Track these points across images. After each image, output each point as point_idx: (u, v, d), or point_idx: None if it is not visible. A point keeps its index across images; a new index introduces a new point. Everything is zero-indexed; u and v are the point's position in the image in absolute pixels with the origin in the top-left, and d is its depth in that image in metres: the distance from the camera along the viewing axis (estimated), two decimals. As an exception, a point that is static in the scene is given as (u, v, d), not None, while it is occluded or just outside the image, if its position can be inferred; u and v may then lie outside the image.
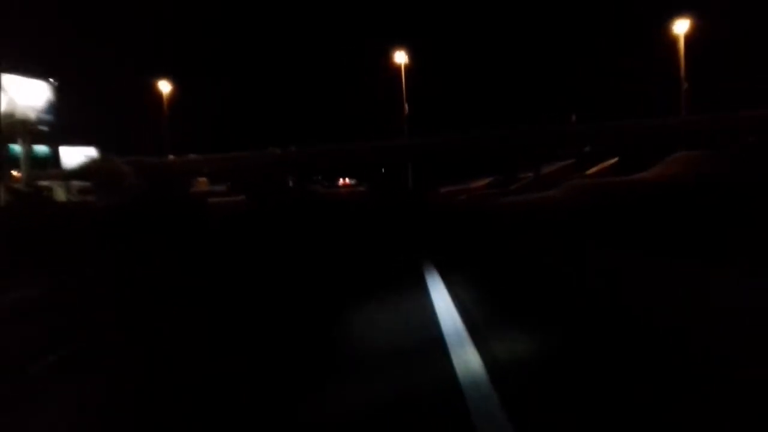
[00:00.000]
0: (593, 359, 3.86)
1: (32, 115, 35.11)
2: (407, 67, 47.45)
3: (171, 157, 47.30)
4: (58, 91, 39.06)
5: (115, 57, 52.24)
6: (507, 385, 3.35)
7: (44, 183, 35.68)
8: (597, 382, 3.42)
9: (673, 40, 43.02)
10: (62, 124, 46.89)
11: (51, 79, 36.33)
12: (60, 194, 35.26)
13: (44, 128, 36.18)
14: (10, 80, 33.39)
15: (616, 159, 41.33)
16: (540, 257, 9.72)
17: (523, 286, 6.98)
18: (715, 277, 6.41)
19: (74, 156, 47.33)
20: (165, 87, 49.07)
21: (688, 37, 42.69)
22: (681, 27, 42.72)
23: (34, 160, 46.39)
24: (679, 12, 42.80)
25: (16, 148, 35.50)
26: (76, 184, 38.29)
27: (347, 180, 59.03)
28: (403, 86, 47.03)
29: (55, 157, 49.18)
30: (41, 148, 48.12)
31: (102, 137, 49.02)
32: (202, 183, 45.43)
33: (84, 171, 39.59)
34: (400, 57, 47.57)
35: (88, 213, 27.43)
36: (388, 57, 47.93)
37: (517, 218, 19.77)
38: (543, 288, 6.72)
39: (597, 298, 5.85)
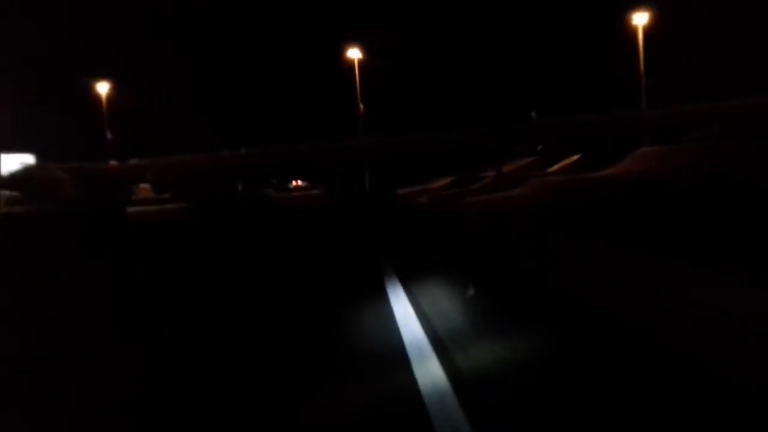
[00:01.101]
0: (566, 367, 3.81)
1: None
2: (361, 65, 45.61)
3: (113, 162, 44.56)
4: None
5: (54, 58, 49.11)
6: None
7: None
8: (569, 390, 3.40)
9: (632, 33, 42.18)
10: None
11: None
12: (-16, 205, 32.43)
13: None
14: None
15: (578, 156, 40.55)
16: (515, 260, 8.99)
17: (499, 294, 6.47)
18: (691, 275, 6.28)
19: (10, 163, 44.47)
20: (104, 88, 46.19)
21: (648, 30, 41.90)
22: (640, 19, 41.85)
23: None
24: (638, 4, 41.97)
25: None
26: (4, 194, 35.43)
27: (299, 182, 56.78)
28: (357, 84, 45.17)
29: (-12, 164, 46.11)
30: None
31: (42, 143, 46.14)
32: (144, 190, 42.75)
33: (13, 180, 36.77)
34: (354, 53, 45.67)
35: (10, 225, 25.08)
36: (341, 54, 46.04)
37: (485, 219, 18.18)
38: (519, 293, 6.33)
39: (573, 301, 5.61)
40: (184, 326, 6.06)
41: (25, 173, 39.48)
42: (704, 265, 6.62)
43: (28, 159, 44.98)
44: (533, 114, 44.69)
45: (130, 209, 30.05)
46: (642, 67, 42.00)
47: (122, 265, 11.90)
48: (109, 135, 45.87)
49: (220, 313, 6.75)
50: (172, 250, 14.73)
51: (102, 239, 16.92)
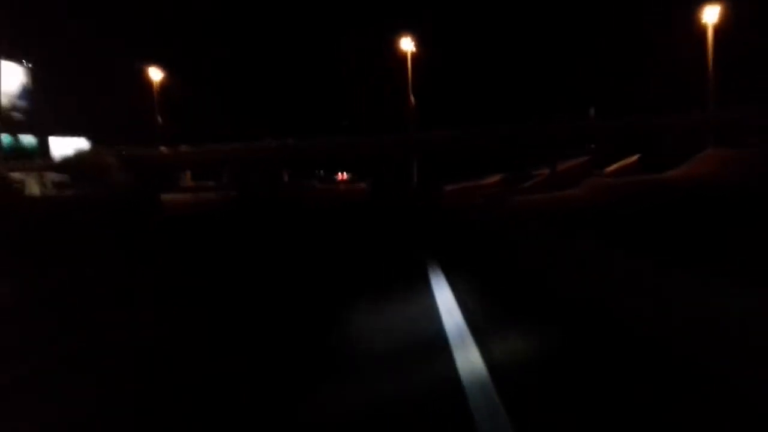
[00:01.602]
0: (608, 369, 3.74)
1: (4, 100, 32.36)
2: (414, 56, 44.45)
3: (163, 148, 44.63)
4: (39, 76, 36.38)
5: (109, 45, 49.64)
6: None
7: (17, 175, 33.00)
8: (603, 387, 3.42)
9: (701, 30, 39.98)
10: (52, 113, 44.57)
11: (25, 62, 33.48)
12: (33, 187, 32.62)
13: (19, 115, 33.41)
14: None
15: (636, 157, 38.79)
16: (576, 275, 7.81)
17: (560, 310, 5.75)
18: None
19: (65, 147, 45.03)
20: (157, 74, 46.29)
21: (718, 27, 39.61)
22: (710, 15, 39.60)
23: (20, 151, 43.94)
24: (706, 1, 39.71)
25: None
26: (52, 176, 35.66)
27: (345, 175, 56.10)
28: (409, 76, 44.04)
29: (43, 147, 46.79)
30: (27, 138, 45.63)
31: (95, 127, 46.63)
32: (189, 177, 42.68)
33: (63, 163, 37.01)
34: (407, 45, 44.52)
35: (57, 208, 25.09)
36: (393, 45, 44.97)
37: (540, 221, 17.04)
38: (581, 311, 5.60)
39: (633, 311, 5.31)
40: (198, 325, 5.81)
41: (76, 157, 39.83)
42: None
43: (81, 143, 45.55)
44: (592, 111, 42.96)
45: (166, 196, 29.76)
46: (710, 64, 39.84)
47: (136, 264, 11.22)
48: (159, 120, 46.03)
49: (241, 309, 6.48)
50: (199, 246, 14.17)
51: (126, 233, 16.48)
